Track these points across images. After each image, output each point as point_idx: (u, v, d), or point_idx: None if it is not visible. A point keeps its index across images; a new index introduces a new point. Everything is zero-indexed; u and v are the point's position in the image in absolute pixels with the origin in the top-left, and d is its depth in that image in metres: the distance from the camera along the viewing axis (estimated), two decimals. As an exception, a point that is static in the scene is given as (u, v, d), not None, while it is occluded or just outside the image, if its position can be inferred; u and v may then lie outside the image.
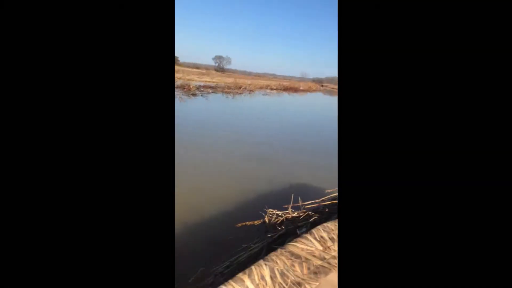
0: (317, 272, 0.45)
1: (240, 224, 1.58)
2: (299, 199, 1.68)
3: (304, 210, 1.50)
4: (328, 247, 0.53)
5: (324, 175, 2.86)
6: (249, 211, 1.80)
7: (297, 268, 0.45)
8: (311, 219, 1.36)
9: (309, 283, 0.42)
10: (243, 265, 1.13)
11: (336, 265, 0.47)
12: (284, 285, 0.42)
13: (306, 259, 0.47)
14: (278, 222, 1.45)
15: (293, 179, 2.66)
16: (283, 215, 1.50)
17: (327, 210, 1.43)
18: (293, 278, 0.43)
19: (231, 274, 1.07)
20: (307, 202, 1.61)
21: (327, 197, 1.61)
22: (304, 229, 1.23)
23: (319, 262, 0.47)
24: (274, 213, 1.52)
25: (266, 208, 1.62)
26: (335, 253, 0.51)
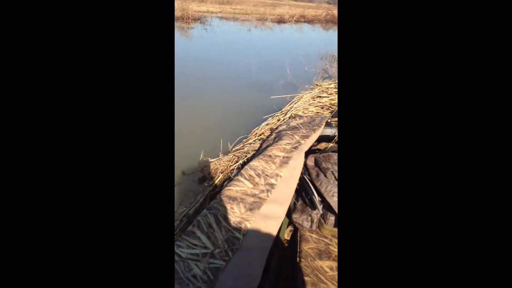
0: (251, 209, 0.50)
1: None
2: (229, 144, 1.79)
3: (233, 154, 1.57)
4: (256, 183, 0.58)
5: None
6: (181, 161, 1.75)
7: (236, 209, 0.50)
8: (241, 161, 1.44)
9: (247, 220, 0.48)
10: (192, 218, 1.17)
11: (266, 198, 0.54)
12: (228, 227, 0.46)
13: (241, 199, 0.52)
14: (213, 170, 1.51)
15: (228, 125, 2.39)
16: (216, 162, 1.56)
17: (251, 150, 1.53)
18: (234, 219, 0.47)
19: (182, 229, 1.11)
20: (237, 147, 1.70)
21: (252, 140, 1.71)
22: (235, 172, 1.32)
23: (252, 199, 0.52)
24: (208, 161, 1.58)
25: (202, 158, 1.65)
26: (263, 187, 0.57)
